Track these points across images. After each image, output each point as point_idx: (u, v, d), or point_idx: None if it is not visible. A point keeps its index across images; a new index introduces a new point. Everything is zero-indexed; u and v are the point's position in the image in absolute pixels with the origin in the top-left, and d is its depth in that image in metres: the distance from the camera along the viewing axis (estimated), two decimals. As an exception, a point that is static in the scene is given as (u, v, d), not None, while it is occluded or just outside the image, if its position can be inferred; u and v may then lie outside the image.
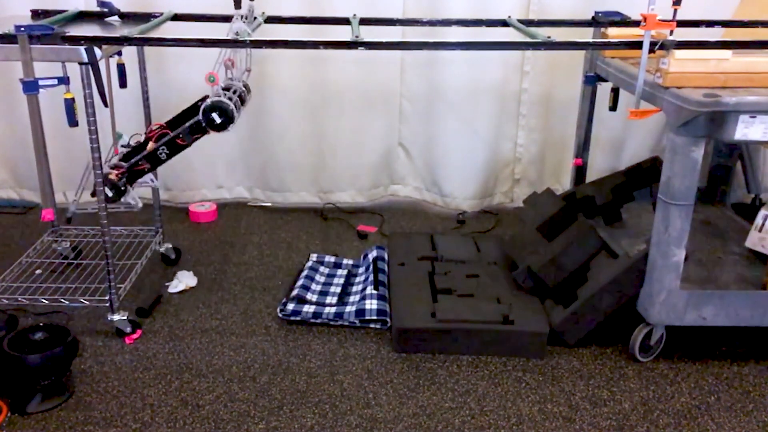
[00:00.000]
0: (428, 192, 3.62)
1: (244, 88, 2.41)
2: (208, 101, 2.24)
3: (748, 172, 2.97)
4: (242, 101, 2.38)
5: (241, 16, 2.34)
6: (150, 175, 2.48)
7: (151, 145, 2.34)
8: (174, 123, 2.39)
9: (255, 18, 2.53)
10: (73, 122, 2.17)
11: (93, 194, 2.34)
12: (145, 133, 2.40)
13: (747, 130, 2.00)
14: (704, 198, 3.01)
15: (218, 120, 2.24)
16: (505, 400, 2.15)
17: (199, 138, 2.34)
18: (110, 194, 2.34)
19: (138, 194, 3.51)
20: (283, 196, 3.58)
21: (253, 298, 2.70)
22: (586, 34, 2.77)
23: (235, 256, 3.04)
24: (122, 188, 2.35)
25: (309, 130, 3.44)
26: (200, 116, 2.25)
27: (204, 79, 2.23)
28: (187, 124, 2.30)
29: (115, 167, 2.36)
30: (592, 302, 2.34)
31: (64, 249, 2.90)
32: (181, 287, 2.74)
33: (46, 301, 2.47)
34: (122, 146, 2.45)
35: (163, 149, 2.35)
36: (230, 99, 2.25)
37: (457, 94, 3.36)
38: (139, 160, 2.36)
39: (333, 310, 2.55)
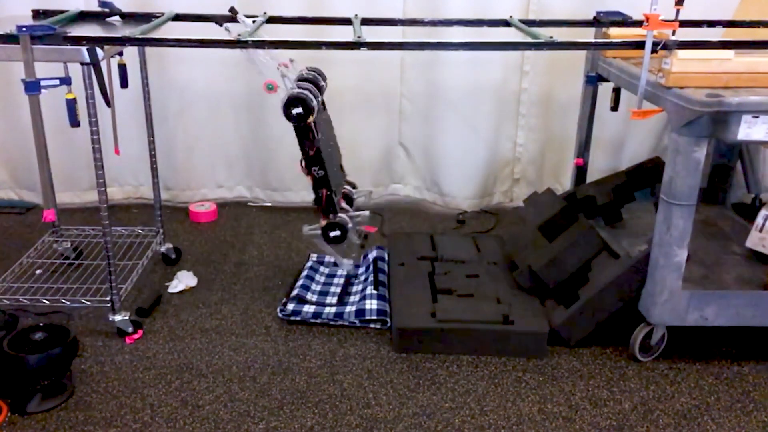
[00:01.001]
0: (428, 191, 3.62)
1: (314, 74, 2.41)
2: (283, 99, 2.20)
3: (749, 172, 2.97)
4: (318, 87, 2.35)
5: (231, 18, 2.33)
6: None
7: (309, 177, 2.33)
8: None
9: (254, 21, 2.52)
10: (74, 123, 2.16)
11: None
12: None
13: (750, 130, 2.00)
14: (705, 198, 3.01)
15: (299, 111, 2.20)
16: (505, 400, 2.15)
17: (313, 136, 2.28)
18: (338, 234, 2.35)
19: (142, 192, 3.56)
20: (284, 195, 3.58)
21: (253, 298, 2.70)
22: (586, 34, 2.76)
23: (235, 256, 3.04)
24: (337, 222, 2.34)
25: (309, 130, 3.44)
26: (283, 114, 2.21)
27: (263, 88, 2.22)
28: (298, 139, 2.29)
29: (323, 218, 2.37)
30: (593, 302, 2.34)
31: (65, 249, 2.90)
32: (181, 287, 2.74)
33: (47, 302, 2.47)
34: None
35: (314, 169, 2.30)
36: (308, 89, 2.21)
37: (457, 94, 3.36)
38: (318, 193, 2.33)
39: (333, 310, 2.55)
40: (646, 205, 2.87)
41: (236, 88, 3.35)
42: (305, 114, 2.19)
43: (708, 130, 2.02)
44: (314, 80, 2.37)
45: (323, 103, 2.55)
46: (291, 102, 2.17)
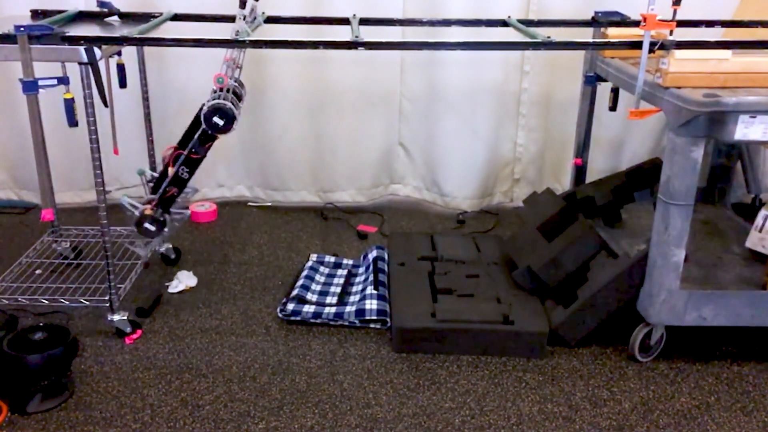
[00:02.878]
0: (428, 192, 3.62)
1: (237, 84, 2.42)
2: (205, 107, 2.25)
3: (748, 172, 2.97)
4: (238, 97, 2.38)
5: (244, 16, 2.34)
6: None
7: (171, 170, 2.37)
8: (184, 141, 2.40)
9: (255, 18, 2.53)
10: (72, 122, 2.17)
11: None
12: (163, 162, 2.44)
13: (747, 130, 2.00)
14: (704, 198, 3.01)
15: (221, 123, 2.26)
16: (505, 400, 2.15)
17: (211, 145, 2.36)
18: (153, 229, 2.39)
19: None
20: (284, 195, 3.58)
21: (253, 298, 2.70)
22: (585, 34, 2.77)
23: (235, 256, 3.04)
24: (161, 219, 2.40)
25: (309, 130, 3.44)
26: (203, 124, 2.27)
27: (213, 80, 2.25)
28: (195, 137, 2.33)
29: (148, 202, 2.41)
30: (592, 302, 2.34)
31: (64, 249, 2.90)
32: (181, 287, 2.74)
33: (46, 302, 2.47)
34: (148, 182, 2.51)
35: (183, 169, 2.37)
36: (225, 99, 2.26)
37: (457, 94, 3.36)
38: (167, 187, 2.39)
39: (333, 310, 2.55)
40: (645, 206, 2.87)
41: (236, 88, 3.35)
42: (229, 123, 2.27)
43: (705, 130, 2.02)
44: (234, 89, 2.42)
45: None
46: (216, 112, 2.26)
